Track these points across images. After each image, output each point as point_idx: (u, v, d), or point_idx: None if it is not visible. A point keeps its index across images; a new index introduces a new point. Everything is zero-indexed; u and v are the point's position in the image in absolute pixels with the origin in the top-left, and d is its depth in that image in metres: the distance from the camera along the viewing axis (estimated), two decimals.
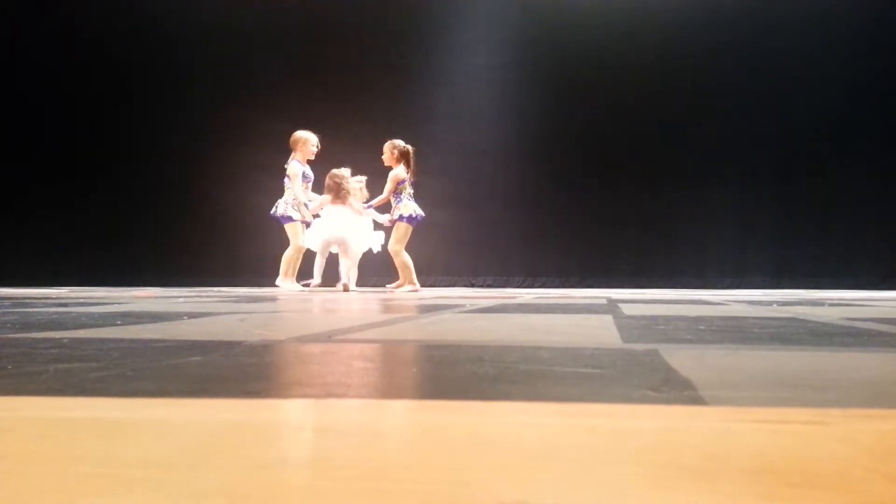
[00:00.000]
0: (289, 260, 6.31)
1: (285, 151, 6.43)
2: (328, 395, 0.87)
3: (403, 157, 6.31)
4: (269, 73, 8.42)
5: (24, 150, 8.84)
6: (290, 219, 6.26)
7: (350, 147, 7.11)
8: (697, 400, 0.81)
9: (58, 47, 8.74)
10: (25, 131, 8.84)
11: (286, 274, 6.31)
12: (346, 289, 6.02)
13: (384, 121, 7.43)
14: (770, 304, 3.62)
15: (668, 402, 0.80)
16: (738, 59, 7.91)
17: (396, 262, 6.30)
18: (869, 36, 7.76)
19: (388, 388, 0.94)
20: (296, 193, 6.22)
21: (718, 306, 3.28)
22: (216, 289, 6.79)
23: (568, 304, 3.46)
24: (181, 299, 4.03)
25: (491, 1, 8.37)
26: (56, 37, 8.73)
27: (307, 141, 6.33)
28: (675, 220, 7.94)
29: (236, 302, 3.64)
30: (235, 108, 8.36)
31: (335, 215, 6.15)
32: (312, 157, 6.42)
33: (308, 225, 6.35)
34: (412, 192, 6.35)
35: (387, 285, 6.70)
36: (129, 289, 6.60)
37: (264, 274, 8.23)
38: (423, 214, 6.33)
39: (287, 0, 8.51)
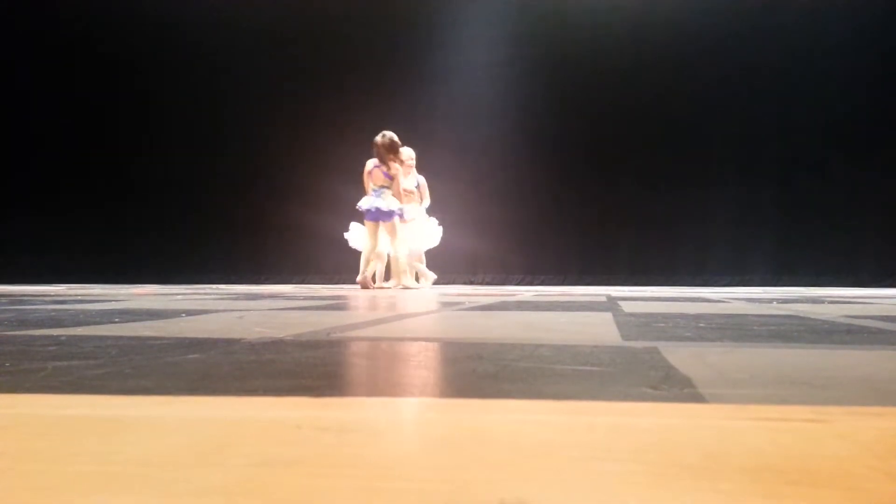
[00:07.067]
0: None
1: (284, 151, 6.42)
2: (327, 392, 0.87)
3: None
4: (266, 72, 8.41)
5: (24, 149, 8.83)
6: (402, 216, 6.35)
7: (348, 146, 7.11)
8: (697, 398, 0.81)
9: (62, 46, 8.72)
10: (25, 131, 8.82)
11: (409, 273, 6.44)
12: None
13: (383, 119, 7.41)
14: (770, 301, 3.62)
15: (667, 399, 0.80)
16: (739, 58, 7.90)
17: (389, 261, 6.40)
18: (869, 36, 7.76)
19: (387, 386, 0.94)
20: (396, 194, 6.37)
21: (718, 304, 3.28)
22: (214, 286, 6.78)
23: (567, 302, 3.46)
24: (179, 297, 4.02)
25: None
26: (58, 35, 8.72)
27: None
28: (676, 218, 7.93)
29: (235, 299, 3.64)
30: (234, 107, 8.36)
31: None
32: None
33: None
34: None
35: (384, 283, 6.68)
36: (127, 286, 6.59)
37: (262, 272, 8.25)
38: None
39: (282, 0, 8.50)
